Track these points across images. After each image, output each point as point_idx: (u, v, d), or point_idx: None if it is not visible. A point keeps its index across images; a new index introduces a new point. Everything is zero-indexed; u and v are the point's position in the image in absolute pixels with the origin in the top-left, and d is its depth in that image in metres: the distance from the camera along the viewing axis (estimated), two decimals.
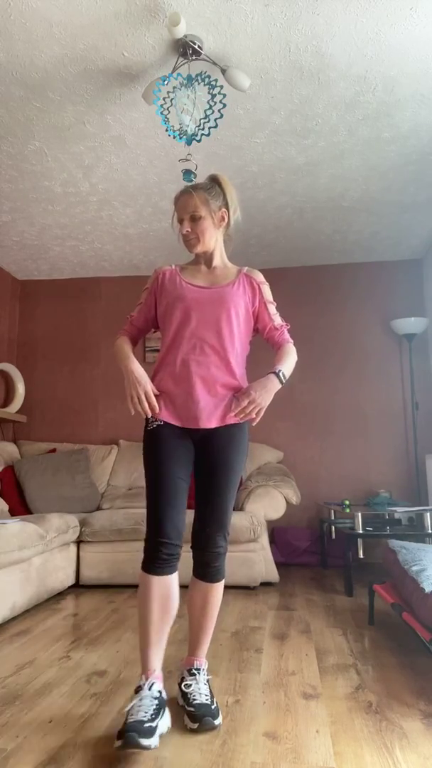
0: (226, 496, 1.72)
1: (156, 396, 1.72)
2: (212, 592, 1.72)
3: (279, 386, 1.71)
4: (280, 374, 1.73)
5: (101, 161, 3.10)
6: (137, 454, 4.24)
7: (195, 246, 1.79)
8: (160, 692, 1.54)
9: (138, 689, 1.53)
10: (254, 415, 1.67)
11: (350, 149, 3.00)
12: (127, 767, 1.36)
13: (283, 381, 1.73)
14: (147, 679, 1.55)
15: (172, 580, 1.64)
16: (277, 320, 1.86)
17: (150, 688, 1.52)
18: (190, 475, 1.75)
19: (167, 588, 1.62)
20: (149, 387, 1.70)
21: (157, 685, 1.54)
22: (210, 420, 1.71)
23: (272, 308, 1.87)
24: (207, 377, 1.71)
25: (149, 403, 1.68)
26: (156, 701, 1.49)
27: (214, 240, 1.81)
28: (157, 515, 1.63)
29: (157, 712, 1.46)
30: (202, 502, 1.73)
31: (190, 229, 1.77)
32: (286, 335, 1.86)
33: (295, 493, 3.61)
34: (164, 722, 1.50)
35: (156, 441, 1.72)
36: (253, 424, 1.70)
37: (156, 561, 1.61)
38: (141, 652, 1.60)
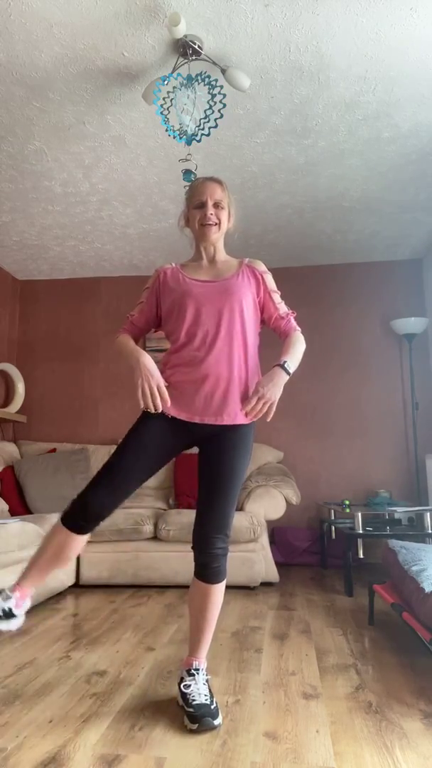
0: (229, 499, 1.71)
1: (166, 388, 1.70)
2: (212, 593, 1.71)
3: (286, 378, 1.67)
4: (286, 365, 1.69)
5: (101, 161, 3.10)
6: None
7: (213, 231, 1.79)
8: (10, 609, 1.69)
9: (1, 591, 1.73)
10: (265, 411, 1.64)
11: (350, 149, 3.00)
12: (126, 767, 1.36)
13: (290, 372, 1.70)
14: (12, 592, 1.71)
15: (76, 540, 1.70)
16: (283, 309, 1.84)
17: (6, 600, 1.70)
18: (155, 471, 1.74)
19: (67, 543, 1.69)
20: (161, 381, 1.66)
21: (11, 602, 1.70)
22: (221, 416, 1.69)
23: (277, 297, 1.84)
24: (219, 372, 1.69)
25: (161, 397, 1.65)
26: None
27: (223, 234, 1.84)
28: (93, 489, 1.67)
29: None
30: (204, 503, 1.72)
31: (213, 213, 1.78)
32: (293, 323, 1.84)
33: (295, 493, 3.61)
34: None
35: (143, 426, 1.71)
36: (267, 419, 1.66)
37: (70, 522, 1.68)
38: (25, 569, 1.75)
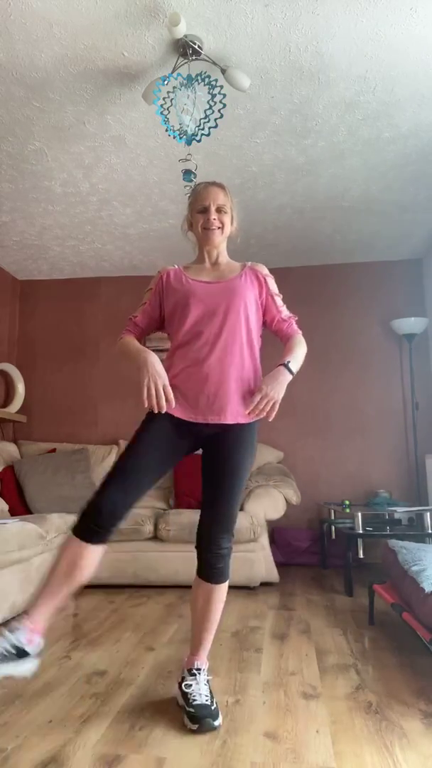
0: (233, 499, 1.71)
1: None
2: (215, 592, 1.71)
3: (290, 378, 1.68)
4: (289, 365, 1.70)
5: (101, 161, 3.10)
6: None
7: (216, 235, 1.81)
8: (21, 645, 1.44)
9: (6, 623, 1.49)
10: (268, 410, 1.63)
11: (350, 149, 3.00)
12: (126, 767, 1.36)
13: (293, 372, 1.70)
14: (22, 623, 1.47)
15: (90, 551, 1.56)
16: (285, 312, 1.86)
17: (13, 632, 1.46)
18: (165, 471, 1.70)
19: (81, 555, 1.55)
20: (167, 381, 1.64)
21: (22, 634, 1.45)
22: (223, 415, 1.68)
23: (279, 300, 1.86)
24: (221, 371, 1.69)
25: (166, 398, 1.61)
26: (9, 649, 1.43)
27: (225, 237, 1.86)
28: (105, 490, 1.58)
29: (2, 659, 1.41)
30: (209, 503, 1.71)
31: (216, 217, 1.79)
32: (295, 326, 1.85)
33: (295, 493, 3.61)
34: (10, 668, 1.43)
35: (151, 425, 1.68)
36: (270, 419, 1.65)
37: (82, 529, 1.56)
38: (36, 598, 1.53)
